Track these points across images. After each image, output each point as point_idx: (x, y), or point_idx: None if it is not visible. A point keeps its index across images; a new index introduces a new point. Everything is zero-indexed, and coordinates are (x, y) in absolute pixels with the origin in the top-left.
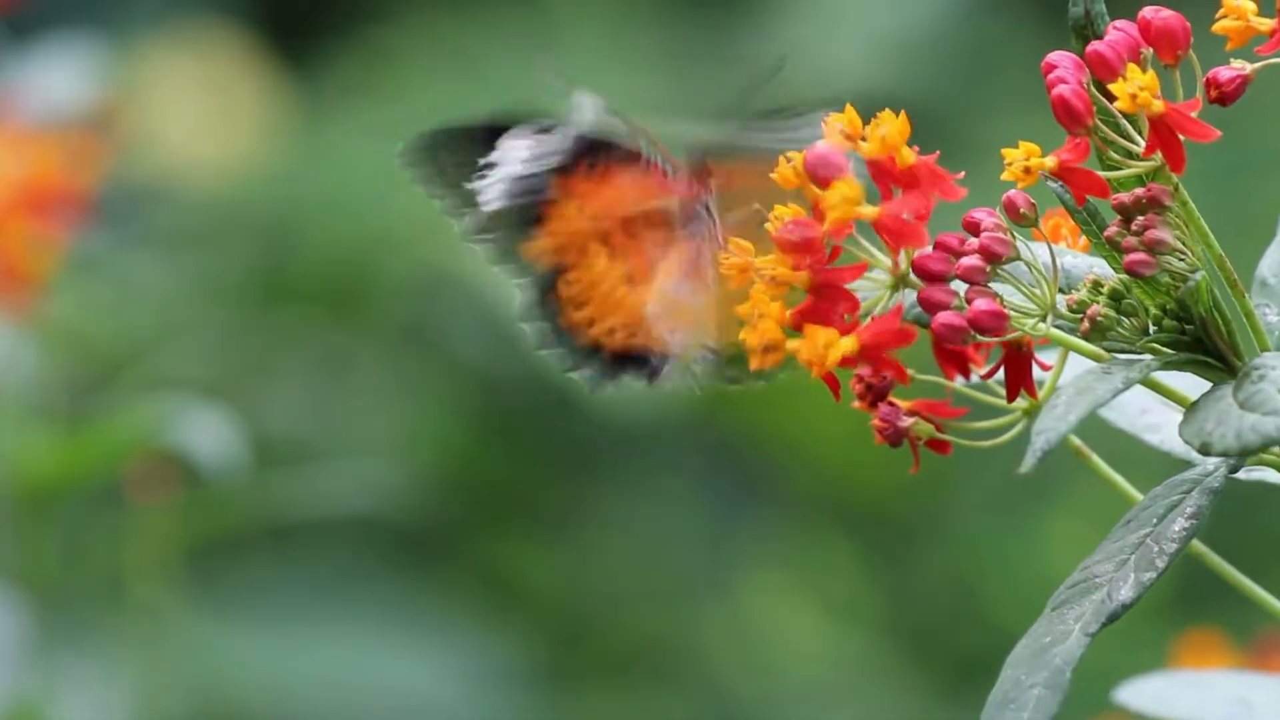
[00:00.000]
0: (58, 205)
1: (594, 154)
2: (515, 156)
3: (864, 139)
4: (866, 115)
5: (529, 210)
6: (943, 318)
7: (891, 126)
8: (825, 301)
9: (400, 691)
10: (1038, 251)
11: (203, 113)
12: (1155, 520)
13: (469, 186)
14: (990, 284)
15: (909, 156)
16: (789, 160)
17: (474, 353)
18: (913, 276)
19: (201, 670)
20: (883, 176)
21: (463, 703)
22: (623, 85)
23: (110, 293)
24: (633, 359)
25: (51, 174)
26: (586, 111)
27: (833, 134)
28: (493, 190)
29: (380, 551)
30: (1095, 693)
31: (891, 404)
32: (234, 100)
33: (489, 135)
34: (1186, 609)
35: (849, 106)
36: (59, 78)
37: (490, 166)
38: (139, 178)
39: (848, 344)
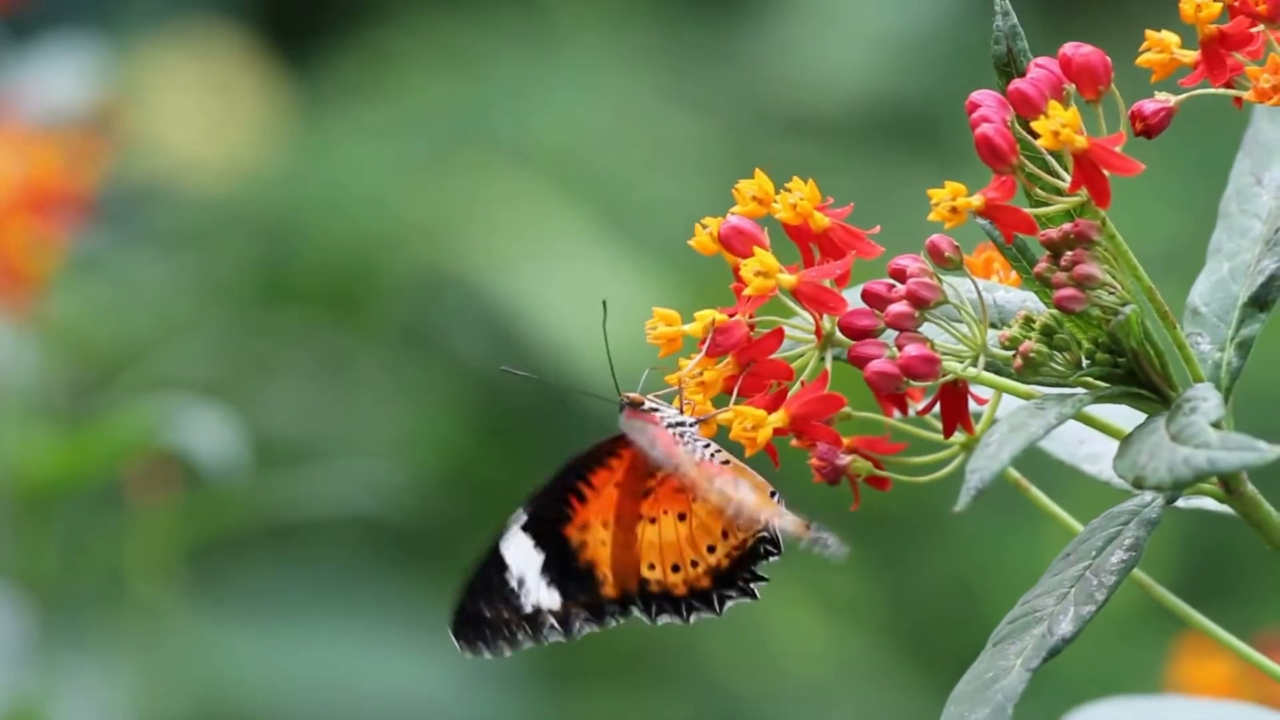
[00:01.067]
0: (58, 205)
1: (567, 487)
2: (522, 556)
3: (776, 205)
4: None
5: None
6: (875, 366)
7: (802, 192)
8: (755, 375)
9: (400, 691)
10: (967, 288)
11: (203, 113)
12: (1094, 553)
13: (525, 613)
14: (920, 327)
15: (823, 221)
16: (705, 227)
17: (474, 353)
18: (839, 335)
19: (201, 670)
20: (800, 238)
21: (463, 703)
22: (622, 84)
23: (110, 293)
24: (739, 567)
25: (52, 174)
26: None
27: (745, 201)
28: (539, 590)
29: (380, 551)
30: (1095, 692)
31: (829, 442)
32: (234, 100)
33: (497, 560)
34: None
35: (758, 172)
36: (59, 78)
37: (519, 584)
38: (139, 178)
39: (777, 419)
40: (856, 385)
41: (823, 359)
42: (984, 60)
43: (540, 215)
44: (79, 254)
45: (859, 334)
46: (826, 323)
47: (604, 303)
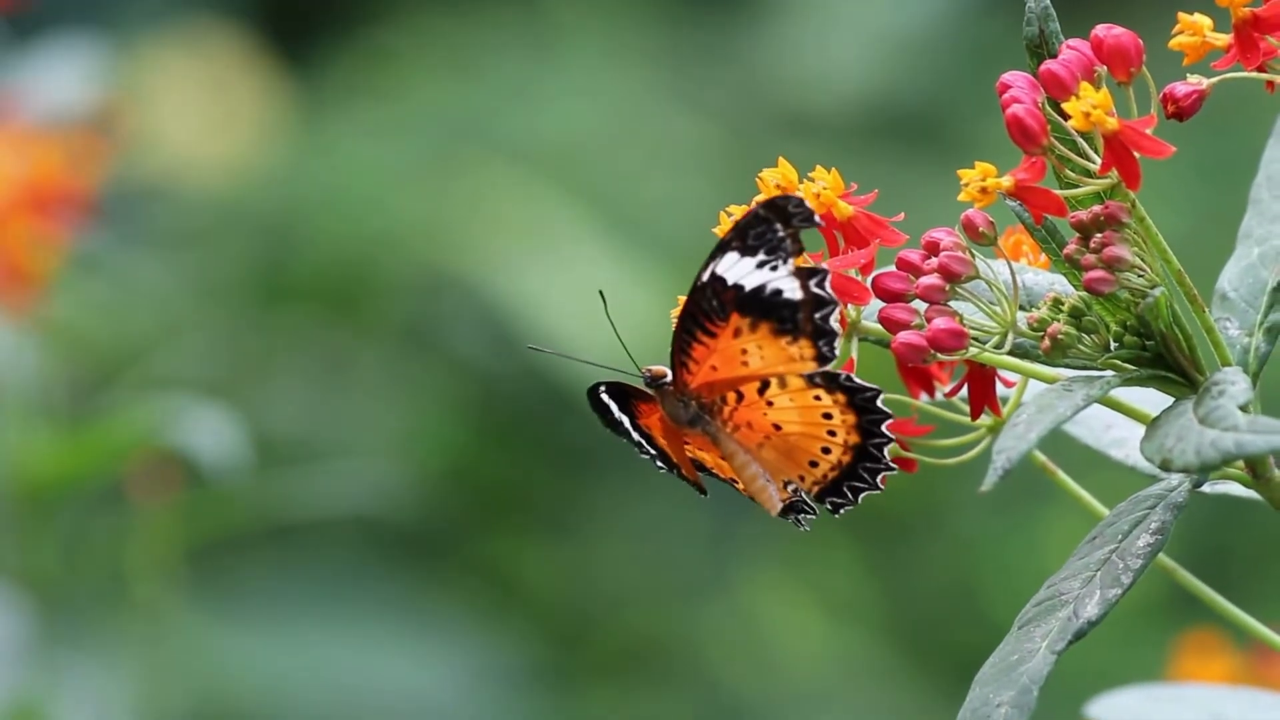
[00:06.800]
0: (59, 205)
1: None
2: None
3: (799, 193)
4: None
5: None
6: (903, 337)
7: (825, 181)
8: None
9: (401, 691)
10: (999, 269)
11: (203, 112)
12: (1120, 536)
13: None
14: (951, 302)
15: (846, 209)
16: (729, 214)
17: (474, 353)
18: (864, 322)
19: (201, 670)
20: (825, 226)
21: (464, 702)
22: (622, 84)
23: (110, 293)
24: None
25: (53, 174)
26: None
27: (768, 190)
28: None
29: (381, 551)
30: (1096, 690)
31: None
32: (234, 100)
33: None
34: (1187, 608)
35: (782, 160)
36: (60, 78)
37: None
38: (140, 177)
39: None
40: (883, 369)
41: (849, 348)
42: (984, 59)
43: (540, 215)
44: (79, 254)
45: (891, 296)
46: (851, 311)
47: (601, 293)
